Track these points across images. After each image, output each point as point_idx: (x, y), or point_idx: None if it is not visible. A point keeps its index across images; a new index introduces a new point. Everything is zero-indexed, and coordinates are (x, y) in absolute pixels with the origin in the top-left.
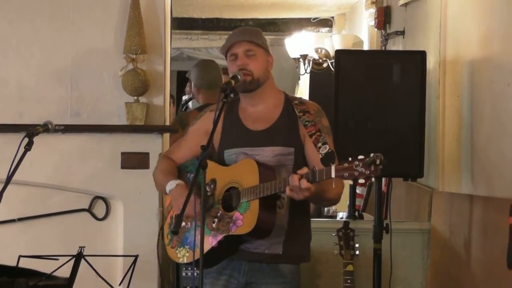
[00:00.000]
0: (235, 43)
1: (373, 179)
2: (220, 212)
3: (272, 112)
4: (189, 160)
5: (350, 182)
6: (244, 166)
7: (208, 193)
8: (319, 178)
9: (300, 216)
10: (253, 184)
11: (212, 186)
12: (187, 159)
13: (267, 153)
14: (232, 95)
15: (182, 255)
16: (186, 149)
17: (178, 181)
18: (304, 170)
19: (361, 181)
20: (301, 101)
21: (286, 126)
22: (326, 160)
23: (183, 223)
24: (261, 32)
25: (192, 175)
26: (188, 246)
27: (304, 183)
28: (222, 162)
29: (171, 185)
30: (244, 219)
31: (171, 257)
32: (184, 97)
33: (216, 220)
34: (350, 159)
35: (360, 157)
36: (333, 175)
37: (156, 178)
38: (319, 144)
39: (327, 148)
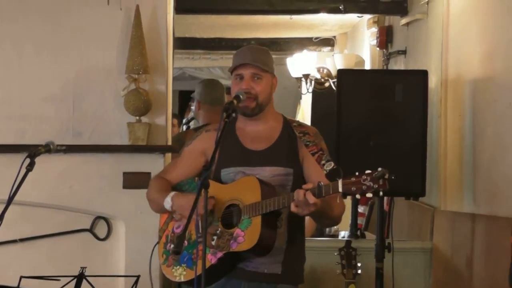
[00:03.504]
0: (243, 64)
1: (381, 194)
2: (219, 229)
3: (271, 132)
4: (185, 180)
5: (358, 196)
6: (245, 183)
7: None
8: (326, 193)
9: (297, 236)
10: (255, 201)
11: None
12: (182, 179)
13: (267, 173)
14: (234, 115)
15: (179, 274)
16: (181, 169)
17: (172, 194)
18: (309, 185)
19: (369, 194)
20: (299, 123)
21: (286, 147)
22: (332, 176)
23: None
24: (269, 52)
25: None
26: (185, 265)
27: (311, 198)
28: (218, 180)
29: (168, 202)
30: (245, 236)
31: (167, 276)
32: (186, 118)
33: (215, 237)
34: (357, 173)
35: (367, 171)
36: (340, 189)
37: (151, 197)
38: (323, 162)
39: (332, 165)
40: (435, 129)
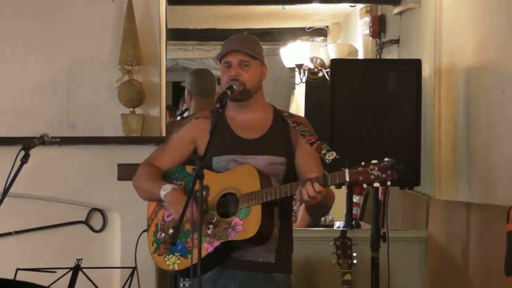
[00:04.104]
0: (230, 51)
1: (388, 184)
2: (215, 218)
3: (263, 121)
4: (174, 167)
5: (365, 186)
6: (242, 172)
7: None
8: (332, 182)
9: (287, 226)
10: (253, 190)
11: (204, 192)
12: (170, 167)
13: (259, 162)
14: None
15: (172, 263)
16: (170, 156)
17: (173, 185)
18: (314, 174)
19: (376, 184)
20: (290, 113)
21: (279, 136)
22: (336, 165)
23: (171, 230)
24: (258, 41)
25: (179, 182)
26: (179, 253)
27: (318, 187)
28: (209, 168)
29: (165, 189)
30: (244, 225)
31: (158, 265)
32: (180, 109)
33: (211, 226)
34: (362, 163)
35: (374, 161)
36: (347, 178)
37: (140, 184)
38: (324, 151)
39: (334, 155)
40: (429, 118)
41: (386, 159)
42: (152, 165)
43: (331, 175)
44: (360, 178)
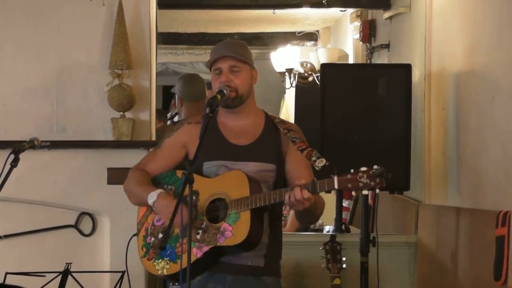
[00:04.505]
0: (220, 58)
1: (377, 191)
2: (204, 223)
3: (254, 127)
4: (165, 172)
5: (353, 193)
6: (232, 177)
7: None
8: (321, 189)
9: (277, 232)
10: (243, 196)
11: (194, 197)
12: (161, 171)
13: (250, 168)
14: (217, 109)
15: (161, 267)
16: (161, 161)
17: (159, 191)
18: (303, 181)
19: (365, 192)
20: (281, 120)
21: (270, 142)
22: (326, 173)
23: (161, 235)
24: (246, 45)
25: (169, 186)
26: (168, 258)
27: (306, 193)
28: (200, 173)
29: (152, 196)
30: (233, 230)
31: (147, 269)
32: (170, 113)
33: (200, 231)
34: (352, 170)
35: (363, 168)
36: (336, 186)
37: (130, 189)
38: (314, 158)
39: (324, 162)
40: (418, 122)
41: (375, 166)
42: (142, 170)
43: (320, 182)
44: (349, 185)
